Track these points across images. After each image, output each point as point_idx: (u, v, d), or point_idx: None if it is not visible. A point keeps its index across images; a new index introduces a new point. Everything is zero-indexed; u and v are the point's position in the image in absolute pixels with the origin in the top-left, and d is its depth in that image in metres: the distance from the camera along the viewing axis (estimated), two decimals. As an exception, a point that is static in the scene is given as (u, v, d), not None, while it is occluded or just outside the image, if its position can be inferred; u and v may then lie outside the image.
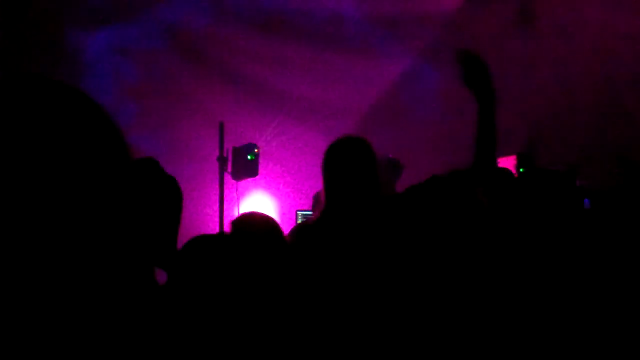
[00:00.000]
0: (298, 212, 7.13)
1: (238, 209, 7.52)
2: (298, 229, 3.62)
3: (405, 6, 8.61)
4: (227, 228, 3.02)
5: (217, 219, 6.97)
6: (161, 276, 2.04)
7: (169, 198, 2.26)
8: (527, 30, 8.42)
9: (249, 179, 7.53)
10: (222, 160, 7.29)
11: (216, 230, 6.90)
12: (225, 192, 7.07)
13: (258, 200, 8.11)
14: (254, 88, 8.55)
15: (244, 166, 7.25)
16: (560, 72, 8.18)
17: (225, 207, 6.96)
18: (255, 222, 3.00)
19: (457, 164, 3.24)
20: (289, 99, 8.53)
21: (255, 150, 7.28)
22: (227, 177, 7.17)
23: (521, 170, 5.95)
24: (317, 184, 5.34)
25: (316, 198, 4.86)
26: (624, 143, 7.52)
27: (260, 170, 7.43)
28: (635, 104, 7.87)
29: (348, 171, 3.30)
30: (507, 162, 7.32)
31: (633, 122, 7.81)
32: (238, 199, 7.59)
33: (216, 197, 7.07)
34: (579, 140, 7.80)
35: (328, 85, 8.55)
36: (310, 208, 5.67)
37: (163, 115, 8.24)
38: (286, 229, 4.50)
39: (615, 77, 8.00)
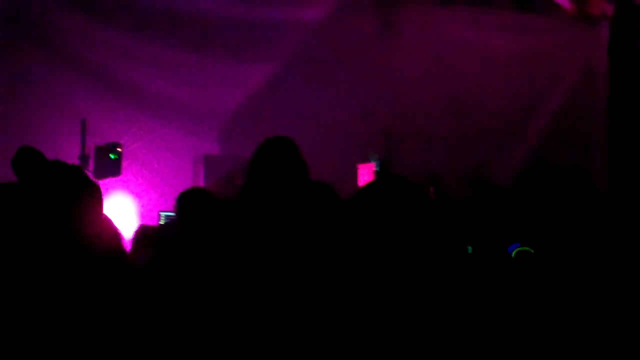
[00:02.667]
0: (161, 213, 7.09)
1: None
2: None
3: (275, 12, 8.73)
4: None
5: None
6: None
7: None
8: (390, 42, 8.70)
9: (111, 179, 7.42)
10: (83, 159, 7.17)
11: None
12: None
13: (120, 201, 8.00)
14: (119, 86, 8.42)
15: (107, 165, 7.15)
16: (420, 84, 8.50)
17: (85, 206, 6.82)
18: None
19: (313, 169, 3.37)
20: (154, 99, 8.45)
21: (118, 149, 7.20)
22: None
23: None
24: (180, 185, 5.34)
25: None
26: (474, 159, 7.90)
27: (123, 169, 7.34)
28: (489, 121, 8.23)
29: (280, 168, 3.36)
30: (367, 168, 7.58)
31: (483, 139, 8.16)
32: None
33: (76, 196, 6.92)
34: (435, 152, 8.12)
35: (194, 87, 8.54)
36: (173, 209, 5.63)
37: (23, 112, 7.99)
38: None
39: (467, 96, 8.35)
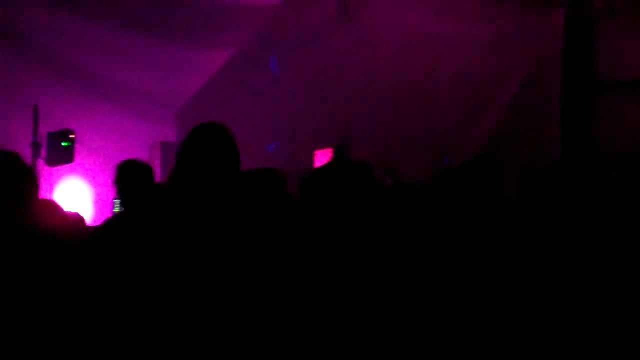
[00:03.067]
0: (115, 201, 7.00)
1: (51, 196, 7.30)
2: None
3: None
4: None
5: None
6: None
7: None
8: (348, 28, 8.66)
9: (64, 166, 7.31)
10: (35, 146, 7.05)
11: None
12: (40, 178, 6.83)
13: (73, 187, 7.90)
14: (72, 73, 8.29)
15: (59, 152, 7.04)
16: (375, 72, 8.48)
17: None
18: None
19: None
20: (109, 85, 8.34)
21: (71, 136, 7.09)
22: (41, 163, 6.94)
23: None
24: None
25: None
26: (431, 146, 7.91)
27: (77, 156, 7.23)
28: (449, 105, 8.22)
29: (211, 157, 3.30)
30: (324, 154, 7.56)
31: (441, 128, 8.15)
32: (51, 186, 7.36)
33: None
34: (391, 137, 8.11)
35: (151, 73, 8.44)
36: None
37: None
38: (103, 217, 4.44)
39: (431, 82, 8.35)
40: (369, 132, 7.94)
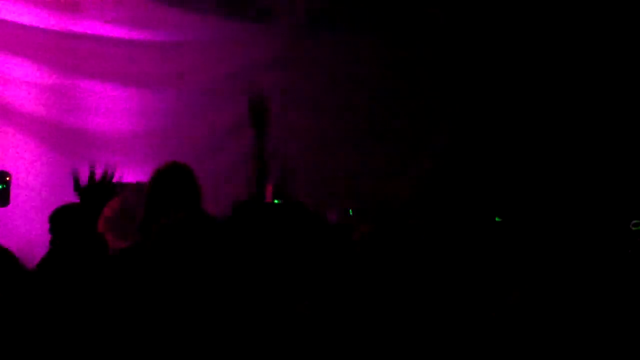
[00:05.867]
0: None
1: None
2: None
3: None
4: None
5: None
6: None
7: None
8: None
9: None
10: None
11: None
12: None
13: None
14: (6, 113, 8.06)
15: (-6, 195, 6.88)
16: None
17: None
18: None
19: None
20: (42, 125, 8.16)
21: (7, 178, 6.94)
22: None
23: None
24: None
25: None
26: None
27: (13, 199, 7.09)
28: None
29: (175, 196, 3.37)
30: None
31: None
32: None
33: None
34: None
35: (83, 111, 8.30)
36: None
37: None
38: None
39: None
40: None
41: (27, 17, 8.01)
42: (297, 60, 8.69)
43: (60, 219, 4.50)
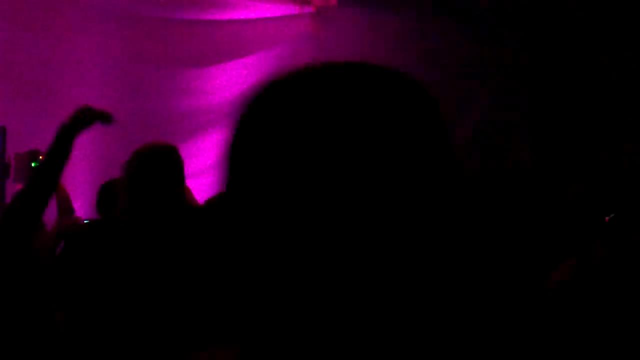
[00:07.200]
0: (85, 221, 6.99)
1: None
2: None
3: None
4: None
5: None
6: None
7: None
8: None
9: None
10: (3, 168, 7.01)
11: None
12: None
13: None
14: (39, 92, 8.10)
15: (28, 174, 7.00)
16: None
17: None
18: None
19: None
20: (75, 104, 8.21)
21: (40, 157, 7.06)
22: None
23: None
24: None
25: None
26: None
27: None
28: None
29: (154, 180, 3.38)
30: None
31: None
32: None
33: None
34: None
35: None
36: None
37: None
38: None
39: None
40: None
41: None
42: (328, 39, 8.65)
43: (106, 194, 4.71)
